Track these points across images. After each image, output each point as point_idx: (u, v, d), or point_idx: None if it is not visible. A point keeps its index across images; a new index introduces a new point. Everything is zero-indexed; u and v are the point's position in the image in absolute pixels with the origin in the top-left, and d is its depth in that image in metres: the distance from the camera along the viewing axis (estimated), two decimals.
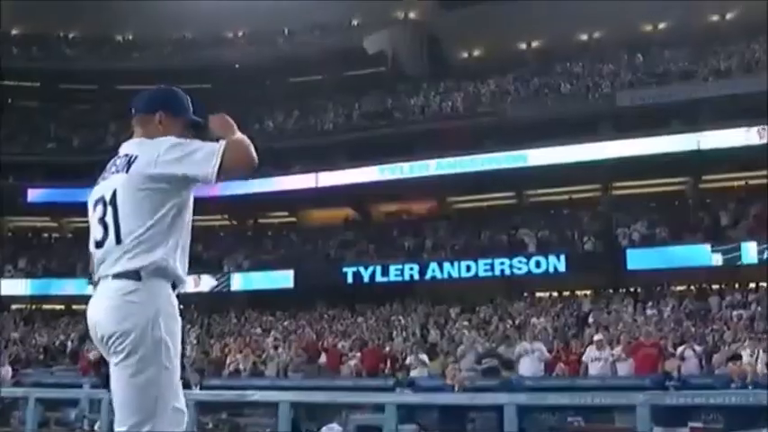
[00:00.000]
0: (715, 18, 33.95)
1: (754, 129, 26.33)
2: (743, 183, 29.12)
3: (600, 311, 21.98)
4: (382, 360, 15.96)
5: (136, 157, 2.89)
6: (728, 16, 33.85)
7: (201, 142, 2.85)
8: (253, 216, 35.32)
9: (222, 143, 2.79)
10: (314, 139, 32.38)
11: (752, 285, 23.75)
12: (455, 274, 26.74)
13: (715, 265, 24.30)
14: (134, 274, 2.81)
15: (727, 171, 28.41)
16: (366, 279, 27.67)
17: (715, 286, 24.41)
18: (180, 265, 2.93)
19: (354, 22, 36.60)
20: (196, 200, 3.00)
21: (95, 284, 2.94)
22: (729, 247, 24.24)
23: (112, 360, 2.80)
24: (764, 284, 24.11)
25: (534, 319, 20.13)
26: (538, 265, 25.96)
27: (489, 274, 26.41)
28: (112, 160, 3.02)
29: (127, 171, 2.88)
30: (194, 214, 3.00)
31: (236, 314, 28.02)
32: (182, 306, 2.98)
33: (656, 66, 30.67)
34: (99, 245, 2.92)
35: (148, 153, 2.86)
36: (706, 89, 27.72)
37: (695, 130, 26.84)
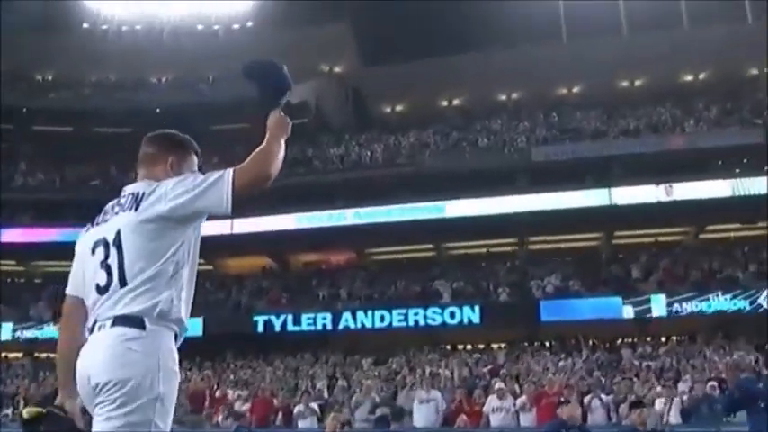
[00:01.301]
0: (625, 84, 34.38)
1: (662, 186, 26.10)
2: (653, 239, 28.85)
3: (513, 363, 20.77)
4: (272, 410, 14.27)
5: (143, 195, 2.67)
6: (637, 83, 34.36)
7: (208, 174, 2.63)
8: None
9: (229, 170, 2.61)
10: None
11: (662, 338, 23.15)
12: (368, 324, 25.32)
13: (626, 318, 23.61)
14: (137, 321, 2.56)
15: (638, 227, 28.05)
16: (277, 328, 25.94)
17: (627, 339, 23.80)
18: (185, 308, 2.68)
19: None
20: None
21: (90, 331, 2.65)
22: (640, 300, 23.62)
23: (99, 411, 2.51)
24: (674, 337, 23.66)
25: (443, 371, 18.71)
26: (452, 315, 24.75)
27: (403, 324, 25.09)
28: (113, 202, 2.79)
29: (135, 209, 2.65)
30: None
31: None
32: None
33: (569, 124, 30.43)
34: (102, 290, 2.64)
35: (157, 191, 2.65)
36: (616, 147, 27.48)
37: (606, 185, 26.40)
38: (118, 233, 2.64)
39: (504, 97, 35.38)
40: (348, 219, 28.31)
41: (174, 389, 2.57)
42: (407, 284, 27.21)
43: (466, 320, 24.59)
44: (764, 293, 23.31)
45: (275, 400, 14.75)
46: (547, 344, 24.10)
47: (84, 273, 2.73)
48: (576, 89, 34.67)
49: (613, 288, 24.52)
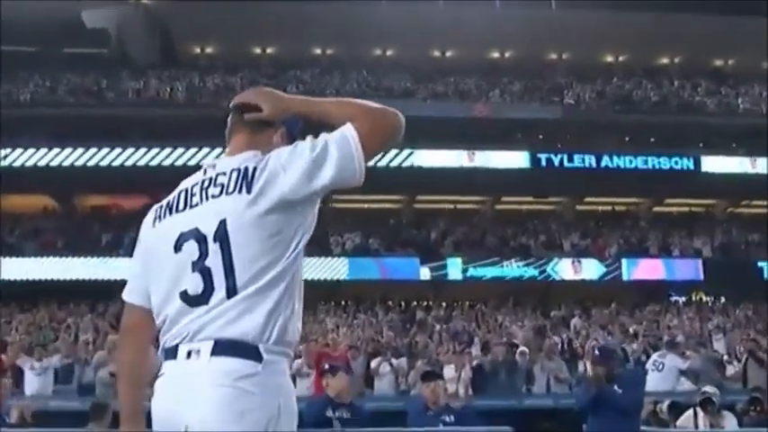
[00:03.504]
0: (437, 53, 33.32)
1: (465, 152, 25.14)
2: (452, 206, 28.02)
3: (306, 322, 18.59)
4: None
5: (255, 171, 1.87)
6: (448, 53, 33.42)
7: (321, 136, 1.86)
8: None
9: (347, 125, 1.86)
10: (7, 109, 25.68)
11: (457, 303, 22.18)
12: None
13: (423, 279, 22.38)
14: (251, 351, 1.81)
15: (440, 192, 26.96)
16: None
17: (423, 302, 22.65)
18: (299, 322, 1.93)
19: None
20: None
21: (169, 355, 1.90)
22: (437, 265, 22.50)
23: None
24: (467, 302, 22.79)
25: None
26: None
27: None
28: (196, 180, 1.98)
29: (248, 191, 1.84)
30: None
31: None
32: None
33: (380, 84, 28.67)
34: (195, 300, 1.86)
35: (271, 164, 1.87)
36: (423, 109, 25.98)
37: (411, 147, 24.89)
38: (222, 224, 1.83)
39: (318, 51, 32.93)
40: (142, 159, 24.66)
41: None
42: None
43: None
44: (552, 263, 23.08)
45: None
46: (344, 303, 22.29)
47: (157, 275, 1.94)
48: (389, 52, 32.99)
49: (412, 249, 23.15)
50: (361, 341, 12.04)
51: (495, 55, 33.69)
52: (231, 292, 1.82)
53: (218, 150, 23.93)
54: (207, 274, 1.85)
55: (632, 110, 28.32)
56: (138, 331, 2.05)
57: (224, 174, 1.91)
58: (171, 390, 1.85)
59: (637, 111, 28.31)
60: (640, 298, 22.32)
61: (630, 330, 15.52)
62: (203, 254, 1.86)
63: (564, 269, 23.41)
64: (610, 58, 33.16)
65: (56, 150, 24.85)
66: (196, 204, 1.92)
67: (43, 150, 24.94)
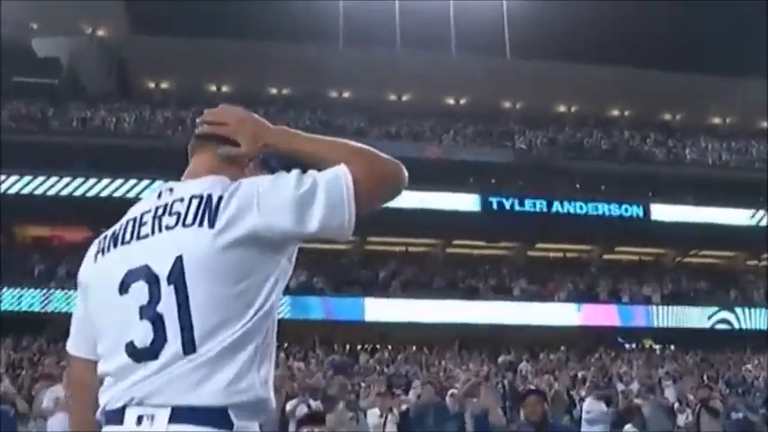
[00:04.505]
0: (393, 97, 32.83)
1: (416, 194, 24.25)
2: (403, 248, 27.04)
3: None
4: None
5: (219, 200, 1.50)
6: (404, 98, 32.94)
7: (309, 172, 1.51)
8: None
9: (341, 166, 1.51)
10: None
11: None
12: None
13: (368, 321, 21.16)
14: (219, 417, 1.45)
15: (391, 234, 25.97)
16: None
17: (367, 345, 21.40)
18: (272, 381, 1.55)
19: (33, 26, 29.34)
20: None
21: (112, 419, 1.52)
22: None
23: None
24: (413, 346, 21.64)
25: None
26: None
27: None
28: (147, 206, 1.59)
29: (210, 224, 1.47)
30: None
31: None
32: None
33: (334, 123, 27.91)
34: (142, 355, 1.50)
35: (242, 192, 1.50)
36: (376, 148, 25.19)
37: None
38: (178, 262, 1.47)
39: (274, 91, 32.13)
40: (84, 190, 23.23)
41: None
42: None
43: None
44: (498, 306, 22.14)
45: None
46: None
47: (100, 320, 1.59)
48: (346, 94, 32.40)
49: (359, 289, 21.97)
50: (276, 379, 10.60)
51: (451, 101, 33.35)
52: (188, 347, 1.46)
53: (159, 181, 22.93)
54: (158, 323, 1.50)
55: (583, 157, 27.93)
56: (90, 388, 1.64)
57: (181, 200, 1.55)
58: None
59: (587, 158, 27.92)
60: (591, 343, 21.41)
61: (579, 376, 14.57)
62: (154, 298, 1.51)
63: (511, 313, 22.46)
64: (562, 108, 33.01)
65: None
66: (146, 236, 1.56)
67: None
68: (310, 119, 28.11)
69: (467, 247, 27.96)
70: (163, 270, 1.50)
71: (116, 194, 23.36)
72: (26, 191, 23.59)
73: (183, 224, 1.51)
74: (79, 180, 23.57)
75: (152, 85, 31.80)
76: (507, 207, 24.76)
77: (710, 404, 10.14)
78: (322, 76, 30.34)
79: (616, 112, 33.42)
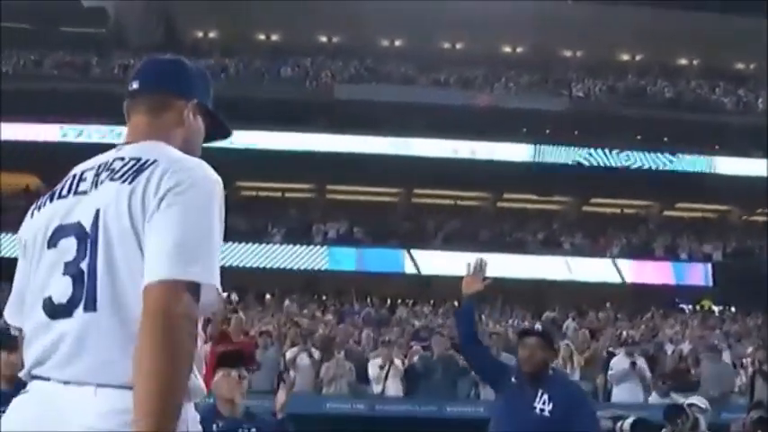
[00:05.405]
0: (447, 45, 31.35)
1: (465, 143, 23.14)
2: (452, 201, 26.00)
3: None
4: None
5: (155, 163, 1.45)
6: (458, 45, 31.43)
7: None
8: None
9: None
10: None
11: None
12: None
13: (408, 273, 20.32)
14: None
15: (436, 185, 24.99)
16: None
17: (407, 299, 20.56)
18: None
19: None
20: None
21: (28, 382, 1.45)
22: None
23: None
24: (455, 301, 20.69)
25: None
26: None
27: None
28: (92, 164, 1.56)
29: (131, 181, 1.43)
30: None
31: None
32: None
33: (382, 70, 26.81)
34: (58, 311, 1.42)
35: (158, 175, 1.42)
36: (422, 95, 24.09)
37: (408, 135, 22.92)
38: (96, 216, 1.43)
39: (324, 39, 31.12)
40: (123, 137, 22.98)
41: None
42: None
43: None
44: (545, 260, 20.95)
45: None
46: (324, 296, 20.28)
47: (31, 277, 1.50)
48: (398, 42, 31.09)
49: (400, 242, 21.10)
50: (277, 326, 9.68)
51: (507, 49, 31.67)
52: (90, 305, 1.37)
53: None
54: (78, 279, 1.40)
55: (645, 105, 26.05)
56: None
57: (122, 159, 1.49)
58: (37, 414, 1.35)
59: (649, 106, 26.02)
60: (643, 302, 20.03)
61: (624, 335, 13.41)
62: (81, 254, 1.41)
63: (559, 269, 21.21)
64: (626, 56, 30.91)
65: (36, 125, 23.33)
66: (84, 191, 1.48)
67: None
68: (356, 67, 27.01)
69: (518, 201, 26.75)
70: (87, 222, 1.44)
71: None
72: (60, 138, 23.50)
73: (111, 179, 1.45)
74: (119, 128, 23.33)
75: (200, 34, 31.28)
76: (562, 159, 23.33)
77: (766, 368, 9.07)
78: (372, 25, 29.23)
79: (684, 61, 31.08)
